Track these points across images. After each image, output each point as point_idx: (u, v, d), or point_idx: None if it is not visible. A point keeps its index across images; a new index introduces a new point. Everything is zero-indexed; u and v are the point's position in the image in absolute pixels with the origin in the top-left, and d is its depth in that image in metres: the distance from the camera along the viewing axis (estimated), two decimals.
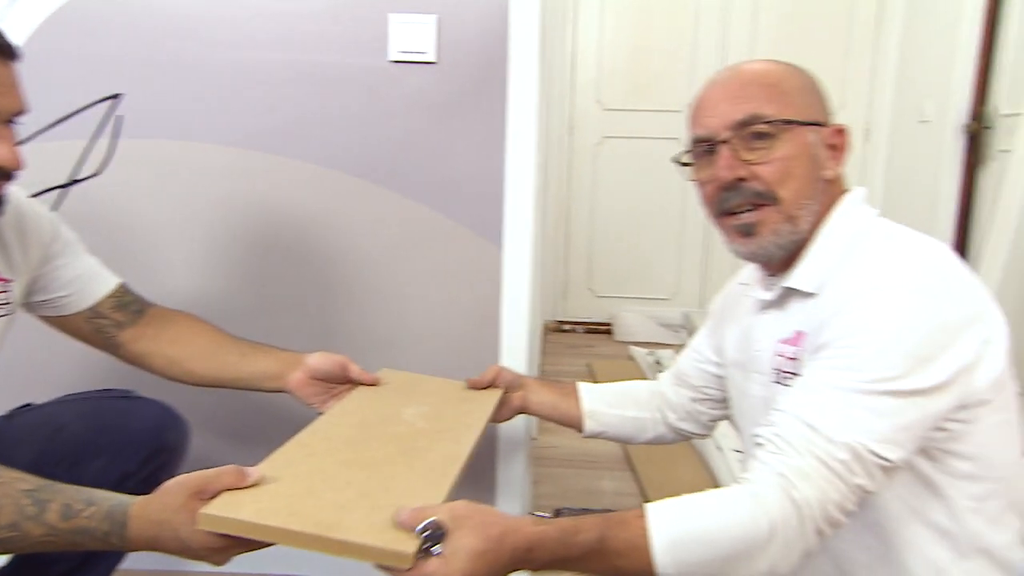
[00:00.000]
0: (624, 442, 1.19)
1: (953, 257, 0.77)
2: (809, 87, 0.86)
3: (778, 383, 0.83)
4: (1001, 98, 2.77)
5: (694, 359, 1.11)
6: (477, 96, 1.45)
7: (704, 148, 0.85)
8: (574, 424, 1.14)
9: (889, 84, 3.43)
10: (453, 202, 1.49)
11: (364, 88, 1.45)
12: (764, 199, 0.81)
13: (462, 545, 0.63)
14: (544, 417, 1.17)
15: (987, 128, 2.85)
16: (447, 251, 1.50)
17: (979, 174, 2.94)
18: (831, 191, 0.84)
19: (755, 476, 0.69)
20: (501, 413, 1.14)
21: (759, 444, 0.71)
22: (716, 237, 3.93)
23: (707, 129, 0.84)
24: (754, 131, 0.80)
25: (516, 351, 1.51)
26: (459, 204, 1.49)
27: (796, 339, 0.81)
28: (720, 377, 1.06)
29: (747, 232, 0.83)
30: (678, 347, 1.12)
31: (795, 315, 0.83)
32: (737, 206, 0.83)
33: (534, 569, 0.69)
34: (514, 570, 0.66)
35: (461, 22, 1.42)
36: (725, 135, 0.82)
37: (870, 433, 0.67)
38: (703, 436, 1.16)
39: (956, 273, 0.75)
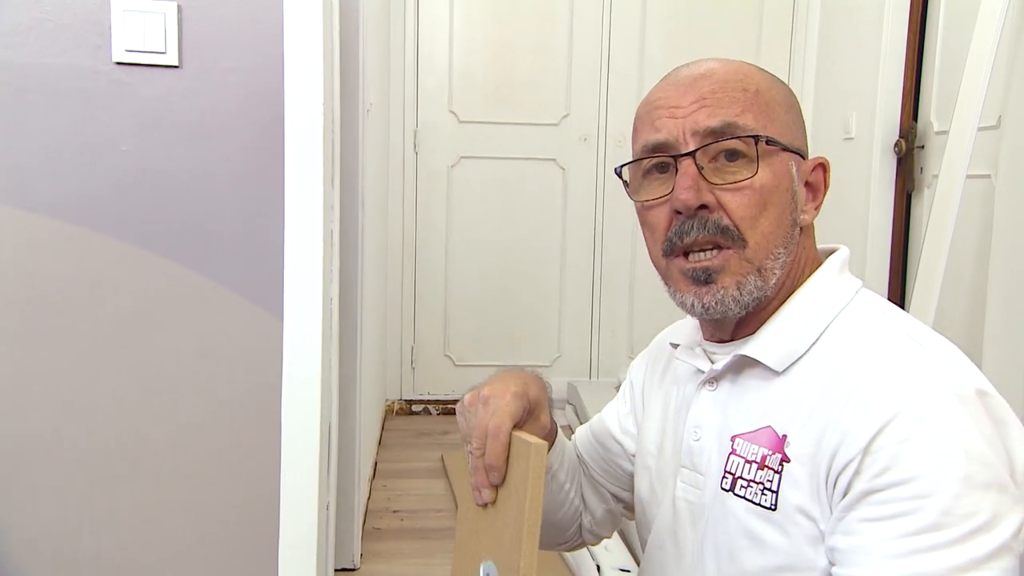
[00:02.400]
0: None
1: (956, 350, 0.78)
2: (793, 104, 0.86)
3: (730, 491, 0.81)
4: (933, 111, 2.96)
5: (600, 452, 1.06)
6: (241, 112, 1.39)
7: (658, 159, 0.83)
8: None
9: (808, 93, 3.63)
10: (212, 257, 1.42)
11: (78, 99, 1.37)
12: (727, 239, 0.80)
13: None
14: None
15: (920, 148, 3.05)
16: (205, 322, 1.43)
17: (915, 202, 3.13)
18: (804, 243, 0.85)
19: None
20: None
21: None
22: (609, 285, 3.90)
23: (666, 133, 0.82)
24: (727, 147, 0.80)
25: (303, 453, 1.45)
26: (221, 260, 1.42)
27: (763, 437, 0.80)
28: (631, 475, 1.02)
29: (704, 279, 0.81)
30: (564, 429, 1.05)
31: (751, 399, 0.83)
32: (694, 243, 0.81)
33: None
34: None
35: (213, 12, 1.36)
36: (691, 145, 0.80)
37: None
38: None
39: (975, 369, 0.76)
